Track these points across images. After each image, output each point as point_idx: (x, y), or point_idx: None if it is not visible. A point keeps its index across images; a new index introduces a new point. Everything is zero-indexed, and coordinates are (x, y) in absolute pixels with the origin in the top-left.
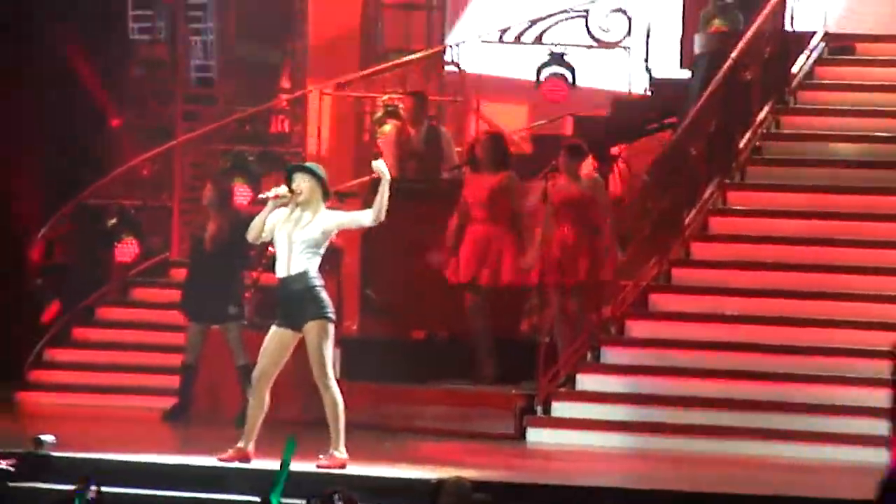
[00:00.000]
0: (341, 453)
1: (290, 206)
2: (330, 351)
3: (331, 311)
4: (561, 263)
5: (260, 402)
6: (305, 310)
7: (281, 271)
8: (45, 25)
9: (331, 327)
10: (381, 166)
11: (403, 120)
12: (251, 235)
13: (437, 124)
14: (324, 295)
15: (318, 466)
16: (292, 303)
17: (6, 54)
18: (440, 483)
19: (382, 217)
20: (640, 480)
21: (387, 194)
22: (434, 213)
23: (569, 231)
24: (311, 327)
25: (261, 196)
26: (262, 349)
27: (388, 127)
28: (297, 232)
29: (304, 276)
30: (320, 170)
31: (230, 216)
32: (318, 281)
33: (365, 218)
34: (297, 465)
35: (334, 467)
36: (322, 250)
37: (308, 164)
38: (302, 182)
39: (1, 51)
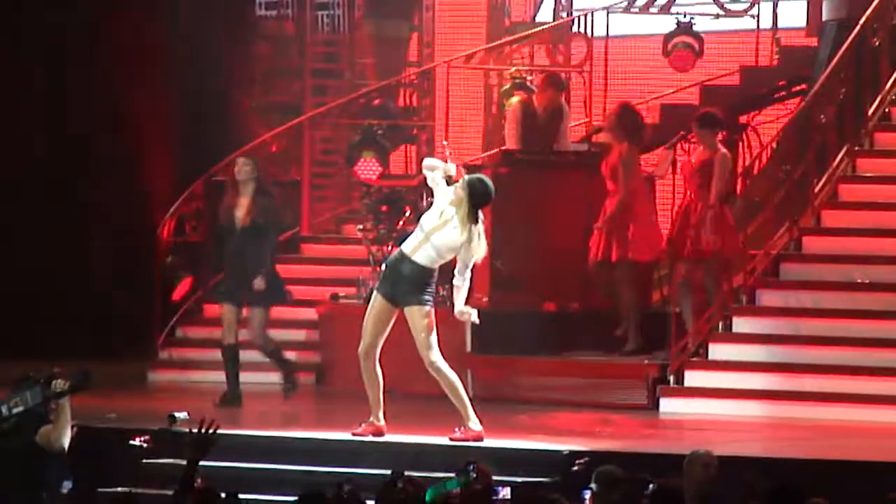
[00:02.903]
0: (475, 424)
1: (447, 199)
2: (434, 335)
3: (433, 300)
4: (688, 233)
5: (373, 376)
6: (411, 293)
7: (406, 247)
8: (171, 4)
9: (432, 312)
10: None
11: (530, 94)
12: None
13: (563, 103)
14: (432, 287)
15: (452, 440)
16: (400, 277)
17: (137, 34)
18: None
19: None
20: (774, 449)
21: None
22: (562, 184)
23: (696, 199)
24: (413, 312)
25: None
26: (364, 325)
27: (515, 99)
28: (434, 229)
29: (422, 267)
30: (476, 188)
31: (259, 199)
32: (432, 277)
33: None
34: (432, 439)
35: (469, 440)
36: (445, 258)
37: (473, 176)
38: (460, 189)
39: (131, 30)
